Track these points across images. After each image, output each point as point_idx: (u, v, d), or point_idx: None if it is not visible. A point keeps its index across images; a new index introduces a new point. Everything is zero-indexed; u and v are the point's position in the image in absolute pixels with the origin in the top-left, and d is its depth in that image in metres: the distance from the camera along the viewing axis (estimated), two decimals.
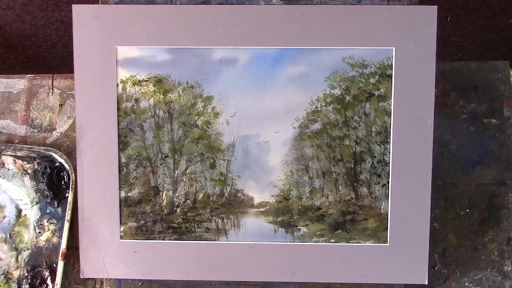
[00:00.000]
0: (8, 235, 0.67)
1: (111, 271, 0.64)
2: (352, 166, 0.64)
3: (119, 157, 0.64)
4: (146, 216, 0.65)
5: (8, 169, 0.67)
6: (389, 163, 0.63)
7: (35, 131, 0.69)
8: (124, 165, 0.64)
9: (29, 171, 0.67)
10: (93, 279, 0.67)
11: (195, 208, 0.65)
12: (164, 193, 0.65)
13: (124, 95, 0.63)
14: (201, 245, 0.64)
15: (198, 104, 0.64)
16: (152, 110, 0.64)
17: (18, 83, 0.70)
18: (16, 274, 0.67)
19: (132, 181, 0.64)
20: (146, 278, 0.65)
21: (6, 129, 0.69)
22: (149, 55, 0.63)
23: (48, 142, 0.69)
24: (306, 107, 0.63)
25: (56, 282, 0.65)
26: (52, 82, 0.70)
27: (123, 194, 0.64)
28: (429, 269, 0.65)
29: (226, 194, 0.64)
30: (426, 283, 0.63)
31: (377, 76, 0.63)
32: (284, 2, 0.65)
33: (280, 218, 0.64)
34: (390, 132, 0.63)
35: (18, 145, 0.67)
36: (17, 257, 0.67)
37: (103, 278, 0.66)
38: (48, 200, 0.67)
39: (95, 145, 0.63)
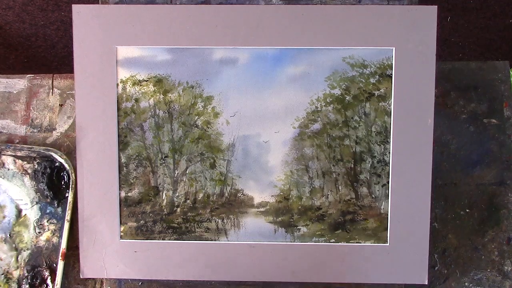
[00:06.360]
0: (8, 235, 0.67)
1: (111, 271, 0.64)
2: (352, 166, 0.64)
3: (119, 157, 0.64)
4: (146, 216, 0.65)
5: (8, 169, 0.67)
6: (389, 163, 0.63)
7: (35, 131, 0.69)
8: (124, 165, 0.64)
9: (29, 171, 0.67)
10: (93, 279, 0.67)
11: (195, 208, 0.65)
12: (164, 193, 0.65)
13: (124, 95, 0.63)
14: (201, 245, 0.64)
15: (198, 104, 0.64)
16: (152, 110, 0.64)
17: (18, 83, 0.70)
18: (16, 274, 0.67)
19: (132, 181, 0.64)
20: (146, 278, 0.65)
21: (6, 129, 0.69)
22: (149, 55, 0.63)
23: (48, 142, 0.69)
24: (306, 107, 0.63)
25: (56, 282, 0.65)
26: (52, 82, 0.70)
27: (123, 194, 0.64)
28: (429, 269, 0.65)
29: (226, 194, 0.64)
30: (426, 283, 0.63)
31: (377, 76, 0.63)
32: (284, 2, 0.65)
33: (280, 218, 0.64)
34: (390, 132, 0.63)
35: (18, 145, 0.67)
36: (17, 257, 0.67)
37: (103, 278, 0.66)
38: (48, 200, 0.67)
39: (95, 145, 0.63)
